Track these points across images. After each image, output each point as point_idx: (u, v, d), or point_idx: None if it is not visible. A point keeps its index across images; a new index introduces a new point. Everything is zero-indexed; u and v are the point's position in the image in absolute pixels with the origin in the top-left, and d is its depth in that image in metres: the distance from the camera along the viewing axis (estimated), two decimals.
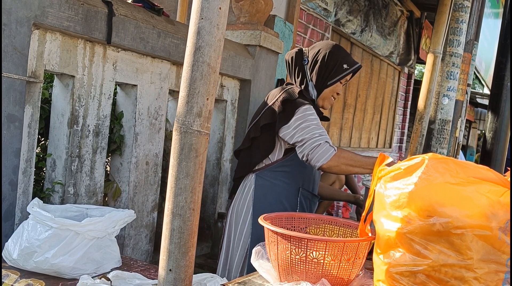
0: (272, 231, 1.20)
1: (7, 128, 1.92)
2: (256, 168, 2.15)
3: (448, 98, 2.62)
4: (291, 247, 1.15)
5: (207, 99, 1.07)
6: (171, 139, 3.04)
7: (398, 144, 7.98)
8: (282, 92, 2.11)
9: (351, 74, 2.22)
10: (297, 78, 2.20)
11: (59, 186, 2.27)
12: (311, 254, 1.14)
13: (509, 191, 0.99)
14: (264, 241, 1.52)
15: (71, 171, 2.28)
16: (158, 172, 2.79)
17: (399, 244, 0.99)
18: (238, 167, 2.27)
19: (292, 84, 2.21)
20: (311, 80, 2.16)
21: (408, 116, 8.15)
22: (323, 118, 2.30)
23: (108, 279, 1.35)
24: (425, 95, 2.56)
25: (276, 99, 2.10)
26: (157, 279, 1.53)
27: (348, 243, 1.16)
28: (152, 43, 2.52)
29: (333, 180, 3.04)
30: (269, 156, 2.12)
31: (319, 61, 2.14)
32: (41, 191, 2.31)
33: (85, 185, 2.37)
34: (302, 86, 2.19)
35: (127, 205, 2.61)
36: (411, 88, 8.02)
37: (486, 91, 14.50)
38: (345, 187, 3.52)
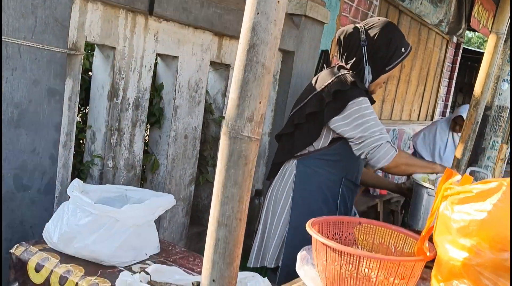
0: (321, 242, 1.12)
1: (47, 102, 1.89)
2: (298, 154, 2.05)
3: (508, 83, 2.44)
4: (342, 261, 1.08)
5: (260, 102, 0.98)
6: (210, 111, 2.97)
7: (440, 117, 7.68)
8: (333, 78, 1.94)
9: None
10: (351, 59, 2.03)
11: (98, 159, 2.25)
12: (363, 271, 1.07)
13: None
14: (303, 230, 1.44)
15: (111, 144, 2.26)
16: (196, 145, 2.74)
17: (465, 275, 0.90)
18: (278, 152, 2.16)
19: (345, 68, 2.03)
20: (368, 64, 1.99)
21: (453, 88, 7.79)
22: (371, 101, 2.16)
23: (147, 273, 1.32)
24: (483, 79, 2.37)
25: (326, 86, 1.94)
26: (196, 273, 1.50)
27: (404, 262, 1.07)
28: (194, 13, 2.41)
29: None
30: (313, 143, 2.01)
31: (382, 46, 1.96)
32: (80, 163, 2.30)
33: (124, 158, 2.34)
34: (356, 70, 2.01)
35: (165, 178, 2.59)
36: (458, 58, 7.62)
37: None
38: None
